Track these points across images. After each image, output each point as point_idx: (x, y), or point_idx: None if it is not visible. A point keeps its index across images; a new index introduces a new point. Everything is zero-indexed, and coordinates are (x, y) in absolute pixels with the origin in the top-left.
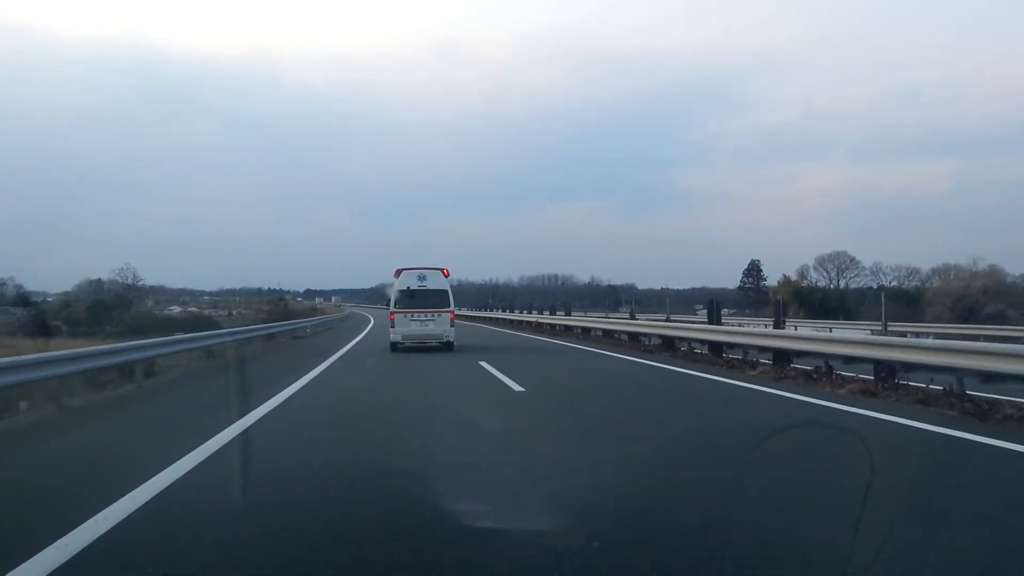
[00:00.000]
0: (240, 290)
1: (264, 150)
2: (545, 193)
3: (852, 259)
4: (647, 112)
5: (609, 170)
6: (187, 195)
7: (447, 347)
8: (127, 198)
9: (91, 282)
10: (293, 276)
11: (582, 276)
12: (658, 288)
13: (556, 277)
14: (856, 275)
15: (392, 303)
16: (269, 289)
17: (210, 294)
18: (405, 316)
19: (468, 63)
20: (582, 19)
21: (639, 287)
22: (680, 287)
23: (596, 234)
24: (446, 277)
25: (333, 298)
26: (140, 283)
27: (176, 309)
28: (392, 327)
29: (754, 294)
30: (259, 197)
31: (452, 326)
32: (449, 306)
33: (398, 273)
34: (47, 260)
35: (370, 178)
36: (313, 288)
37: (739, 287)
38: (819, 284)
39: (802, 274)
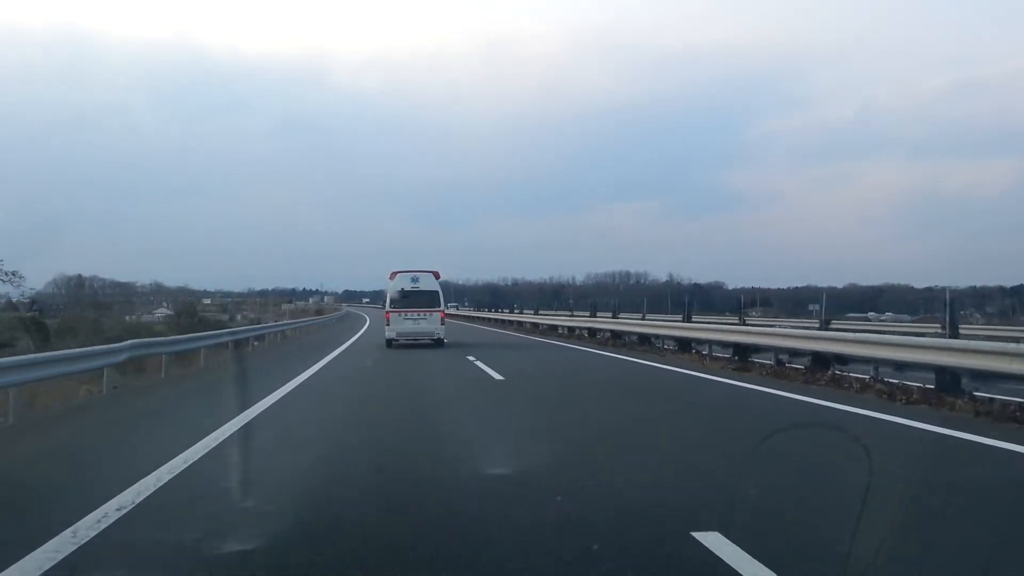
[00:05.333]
0: (272, 291)
1: (314, 152)
2: (607, 191)
3: None
4: (712, 107)
5: (679, 166)
6: (233, 196)
7: (438, 343)
8: (163, 200)
9: (69, 278)
10: (336, 278)
11: (658, 274)
12: (748, 287)
13: (628, 275)
14: None
15: (387, 303)
16: (304, 290)
17: (234, 295)
18: (399, 315)
19: (520, 62)
20: (634, 14)
21: (728, 286)
22: (780, 286)
23: (669, 231)
24: (437, 279)
25: (325, 297)
26: None
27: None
28: (387, 325)
29: None
30: (306, 199)
31: (442, 324)
32: (440, 306)
33: (393, 275)
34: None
35: (421, 179)
36: (352, 289)
37: None
38: None
39: None
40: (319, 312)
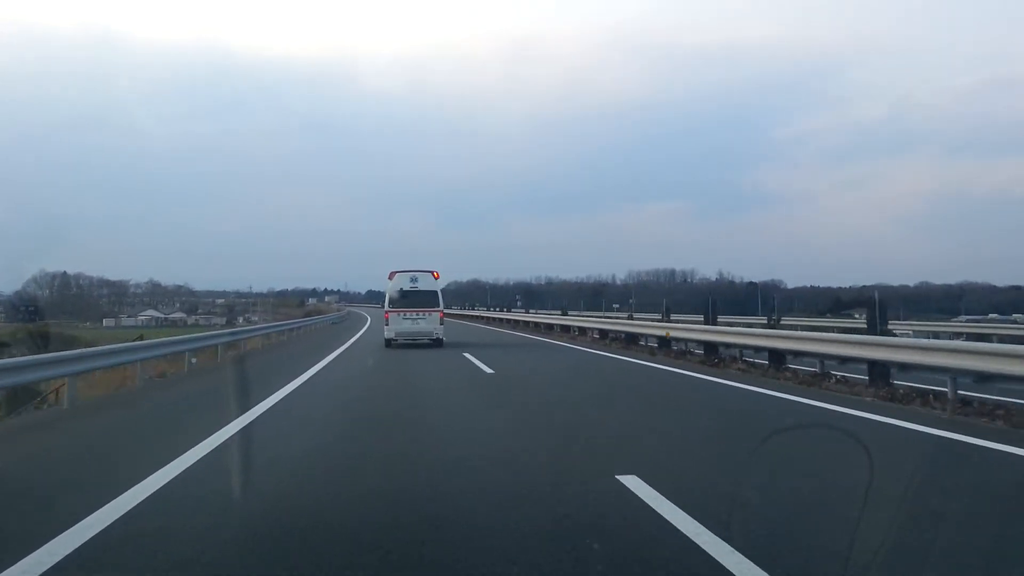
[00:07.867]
0: (291, 291)
1: (339, 152)
2: (649, 188)
3: None
4: (754, 105)
5: (724, 163)
6: (255, 196)
7: (437, 343)
8: (173, 200)
9: (53, 276)
10: (360, 278)
11: (707, 271)
12: (808, 286)
13: (674, 273)
14: None
15: (386, 303)
16: (324, 290)
17: (247, 295)
18: (398, 315)
19: (543, 61)
20: (674, 15)
21: (787, 284)
22: (841, 284)
23: (716, 228)
24: (436, 279)
25: (327, 297)
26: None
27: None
28: (387, 325)
29: None
30: (332, 200)
31: (441, 324)
32: (438, 306)
33: (392, 275)
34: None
35: (447, 179)
36: (375, 289)
37: None
38: None
39: None
40: (308, 314)
